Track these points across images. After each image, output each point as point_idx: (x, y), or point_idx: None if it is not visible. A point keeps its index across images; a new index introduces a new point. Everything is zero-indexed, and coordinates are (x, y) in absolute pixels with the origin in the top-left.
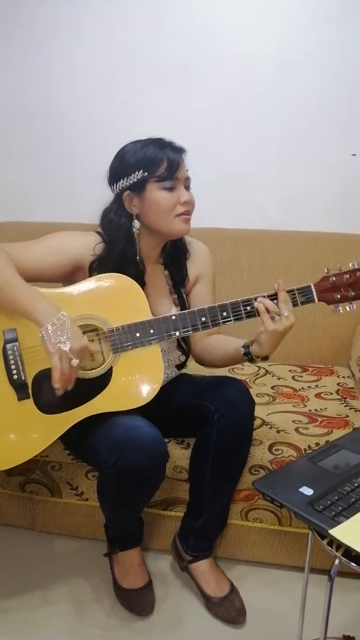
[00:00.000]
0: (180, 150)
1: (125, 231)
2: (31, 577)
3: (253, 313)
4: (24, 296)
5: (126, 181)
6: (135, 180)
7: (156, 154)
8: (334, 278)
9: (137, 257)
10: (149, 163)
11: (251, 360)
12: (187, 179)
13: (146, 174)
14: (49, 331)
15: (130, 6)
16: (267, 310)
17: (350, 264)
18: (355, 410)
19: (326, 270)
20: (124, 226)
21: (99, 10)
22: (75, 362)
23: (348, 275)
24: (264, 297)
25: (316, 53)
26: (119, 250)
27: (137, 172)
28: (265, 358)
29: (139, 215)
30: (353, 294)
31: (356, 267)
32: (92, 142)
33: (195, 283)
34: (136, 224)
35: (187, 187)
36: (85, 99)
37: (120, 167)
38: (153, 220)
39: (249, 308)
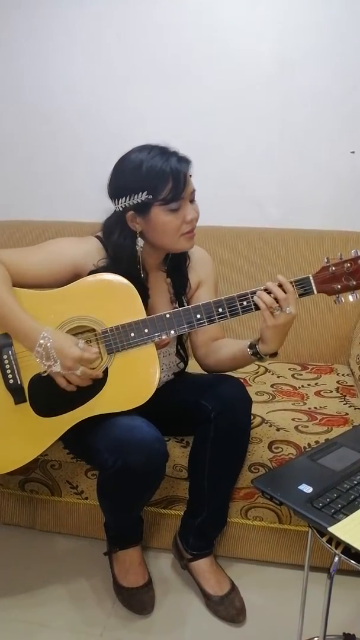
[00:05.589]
0: (185, 162)
1: (130, 252)
2: (31, 576)
3: (250, 308)
4: (12, 320)
5: (129, 201)
6: (138, 201)
7: (160, 172)
8: (334, 268)
9: (142, 275)
10: (153, 184)
11: (260, 359)
12: (193, 192)
13: (150, 197)
14: (38, 359)
15: (128, 5)
16: (267, 306)
17: (352, 252)
18: (355, 408)
19: (326, 260)
20: (128, 248)
21: (96, 9)
22: (78, 372)
23: (349, 264)
24: (262, 290)
25: (314, 50)
26: (123, 270)
27: (140, 194)
28: (273, 355)
29: (142, 232)
30: (354, 283)
31: (358, 254)
32: (91, 140)
33: (197, 289)
34: (140, 242)
35: (192, 200)
36: (83, 97)
37: (121, 185)
38: (157, 240)
39: (245, 303)
